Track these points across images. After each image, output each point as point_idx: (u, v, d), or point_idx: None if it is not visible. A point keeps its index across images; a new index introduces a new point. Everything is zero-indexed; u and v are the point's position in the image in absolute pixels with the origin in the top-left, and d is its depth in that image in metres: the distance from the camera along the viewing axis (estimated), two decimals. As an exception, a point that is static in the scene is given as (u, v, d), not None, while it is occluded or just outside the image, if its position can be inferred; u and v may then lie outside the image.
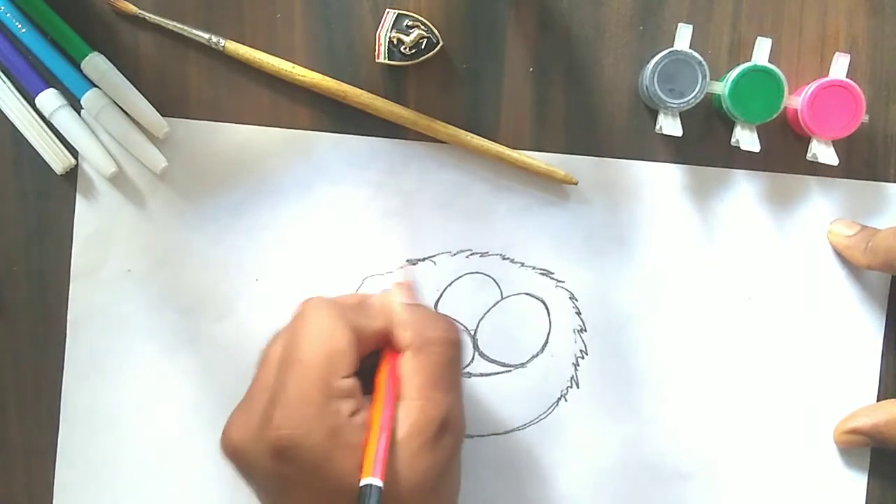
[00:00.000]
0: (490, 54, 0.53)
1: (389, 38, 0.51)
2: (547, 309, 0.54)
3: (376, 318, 0.47)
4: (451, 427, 0.44)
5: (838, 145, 0.53)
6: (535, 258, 0.54)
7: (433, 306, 0.54)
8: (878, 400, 0.55)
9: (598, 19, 0.54)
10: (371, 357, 0.46)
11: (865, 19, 0.54)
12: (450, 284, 0.54)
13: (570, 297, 0.54)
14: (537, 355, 0.54)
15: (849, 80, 0.52)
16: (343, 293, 0.52)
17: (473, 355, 0.54)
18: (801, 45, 0.54)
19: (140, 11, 0.52)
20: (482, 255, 0.54)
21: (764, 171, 0.54)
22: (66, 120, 0.52)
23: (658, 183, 0.54)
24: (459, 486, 0.47)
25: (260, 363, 0.46)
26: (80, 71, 0.52)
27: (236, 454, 0.43)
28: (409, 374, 0.45)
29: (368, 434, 0.42)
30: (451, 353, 0.46)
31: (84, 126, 0.52)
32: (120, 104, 0.52)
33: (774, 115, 0.52)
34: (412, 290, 0.51)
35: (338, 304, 0.46)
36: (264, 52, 0.52)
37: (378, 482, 0.40)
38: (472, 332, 0.54)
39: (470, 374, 0.54)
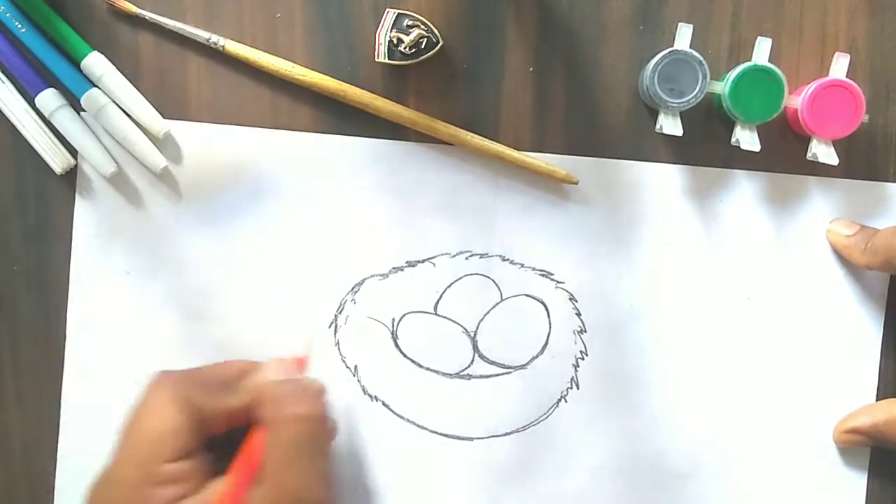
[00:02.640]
0: (490, 54, 0.53)
1: (389, 37, 0.51)
2: (547, 310, 0.54)
3: (239, 394, 0.46)
4: None
5: (838, 145, 0.53)
6: (535, 259, 0.54)
7: (433, 308, 0.54)
8: (876, 399, 0.55)
9: (598, 19, 0.54)
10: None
11: (865, 19, 0.54)
12: (449, 286, 0.54)
13: (570, 298, 0.54)
14: (537, 356, 0.54)
15: (849, 80, 0.52)
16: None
17: (473, 357, 0.54)
18: (801, 45, 0.54)
19: (140, 11, 0.52)
20: (482, 256, 0.54)
21: (764, 171, 0.54)
22: (65, 120, 0.52)
23: (658, 183, 0.54)
24: None
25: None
26: (80, 71, 0.52)
27: None
28: (266, 453, 0.43)
29: None
30: (307, 429, 0.44)
31: (84, 126, 0.52)
32: (120, 104, 0.52)
33: (774, 115, 0.52)
34: (292, 365, 0.49)
35: (183, 382, 0.45)
36: (264, 52, 0.52)
37: None
38: (472, 334, 0.54)
39: (470, 377, 0.54)
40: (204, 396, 0.45)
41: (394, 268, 0.54)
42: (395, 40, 0.51)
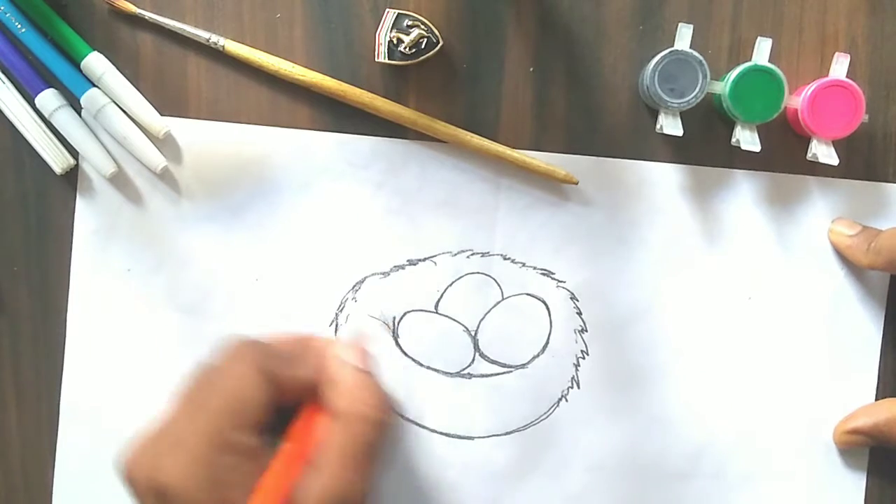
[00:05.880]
0: (490, 54, 0.53)
1: (389, 37, 0.51)
2: (548, 309, 0.54)
3: (304, 367, 0.45)
4: None
5: (838, 145, 0.53)
6: (536, 258, 0.54)
7: (433, 307, 0.54)
8: (876, 399, 0.55)
9: (598, 19, 0.54)
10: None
11: (865, 19, 0.54)
12: (450, 285, 0.54)
13: (571, 298, 0.54)
14: (538, 355, 0.54)
15: (849, 80, 0.52)
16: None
17: (474, 356, 0.54)
18: (801, 45, 0.54)
19: (140, 11, 0.52)
20: (483, 255, 0.54)
21: (764, 171, 0.54)
22: (65, 120, 0.52)
23: (658, 183, 0.54)
24: None
25: (176, 394, 0.44)
26: (80, 71, 0.52)
27: (127, 480, 0.42)
28: (329, 442, 0.43)
29: (258, 494, 0.40)
30: (377, 434, 0.44)
31: (84, 126, 0.52)
32: (119, 104, 0.52)
33: (774, 115, 0.52)
34: (362, 351, 0.48)
35: (261, 351, 0.44)
36: (264, 51, 0.52)
37: None
38: (473, 333, 0.54)
39: (471, 375, 0.54)
40: (282, 367, 0.44)
41: (395, 266, 0.54)
42: (395, 40, 0.51)
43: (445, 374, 0.54)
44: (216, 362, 0.44)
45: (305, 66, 0.52)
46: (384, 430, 0.44)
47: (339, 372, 0.45)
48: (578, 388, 0.55)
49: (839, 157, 0.52)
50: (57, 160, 0.52)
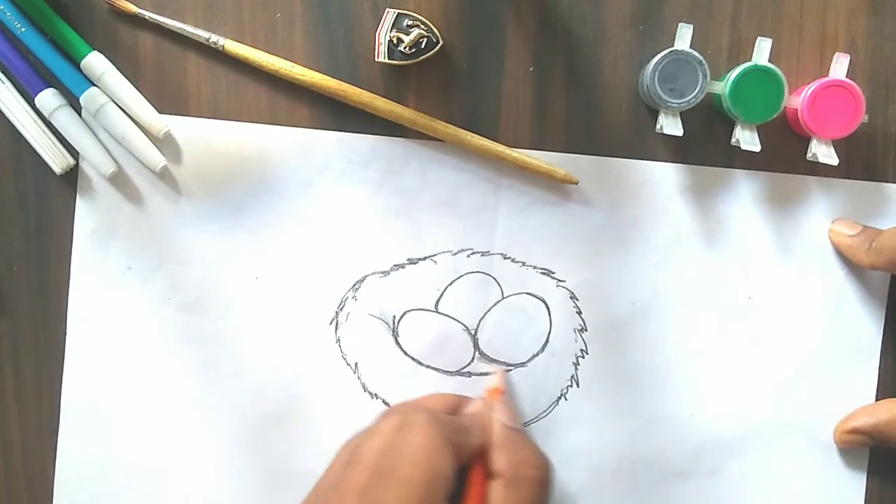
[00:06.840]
0: (490, 54, 0.53)
1: (389, 37, 0.51)
2: (548, 308, 0.54)
3: (475, 434, 0.47)
4: None
5: (838, 145, 0.53)
6: (536, 257, 0.54)
7: (433, 306, 0.54)
8: (876, 399, 0.55)
9: (598, 19, 0.54)
10: None
11: (865, 19, 0.54)
12: (450, 284, 0.54)
13: (571, 297, 0.54)
14: (538, 354, 0.54)
15: (849, 80, 0.52)
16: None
17: (474, 354, 0.54)
18: (801, 45, 0.54)
19: (140, 11, 0.52)
20: (483, 254, 0.54)
21: (764, 171, 0.54)
22: (65, 119, 0.52)
23: (658, 182, 0.54)
24: None
25: (345, 460, 0.44)
26: (80, 70, 0.52)
27: None
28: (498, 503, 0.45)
29: None
30: (541, 494, 0.46)
31: (83, 126, 0.52)
32: (119, 103, 0.52)
33: (774, 115, 0.52)
34: (512, 408, 0.51)
35: (441, 421, 0.45)
36: (264, 51, 0.52)
37: None
38: (473, 332, 0.54)
39: (470, 374, 0.54)
40: (460, 437, 0.45)
41: (395, 265, 0.54)
42: (395, 40, 0.51)
43: (445, 372, 0.54)
44: (399, 434, 0.44)
45: (305, 66, 0.52)
46: (544, 488, 0.46)
47: (500, 435, 0.47)
48: (578, 386, 0.55)
49: (839, 157, 0.52)
50: (57, 160, 0.52)
